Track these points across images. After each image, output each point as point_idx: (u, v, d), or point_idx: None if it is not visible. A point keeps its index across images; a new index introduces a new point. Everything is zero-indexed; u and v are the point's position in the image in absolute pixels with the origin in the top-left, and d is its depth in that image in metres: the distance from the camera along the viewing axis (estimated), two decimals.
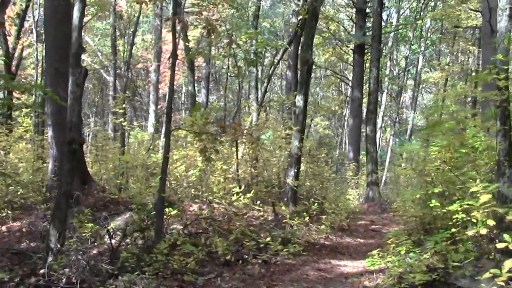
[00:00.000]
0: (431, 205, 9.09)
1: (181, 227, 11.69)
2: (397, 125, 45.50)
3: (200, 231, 11.93)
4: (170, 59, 11.05)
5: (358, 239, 14.65)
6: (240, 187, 13.29)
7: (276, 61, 25.33)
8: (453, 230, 8.55)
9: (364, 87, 32.25)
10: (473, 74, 34.17)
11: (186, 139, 15.87)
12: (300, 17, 21.10)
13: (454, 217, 8.58)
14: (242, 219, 12.91)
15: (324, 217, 14.05)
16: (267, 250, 11.04)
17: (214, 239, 11.08)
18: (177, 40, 11.47)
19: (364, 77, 31.13)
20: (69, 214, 10.45)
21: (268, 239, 11.10)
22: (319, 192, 17.25)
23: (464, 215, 8.46)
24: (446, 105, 15.02)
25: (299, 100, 16.17)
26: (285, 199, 15.53)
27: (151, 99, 30.13)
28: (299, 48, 21.07)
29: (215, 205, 13.60)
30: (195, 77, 30.26)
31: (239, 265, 10.32)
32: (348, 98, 39.75)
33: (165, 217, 10.98)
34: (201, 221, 12.14)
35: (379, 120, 36.32)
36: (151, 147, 19.09)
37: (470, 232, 7.94)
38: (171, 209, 11.59)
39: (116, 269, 8.83)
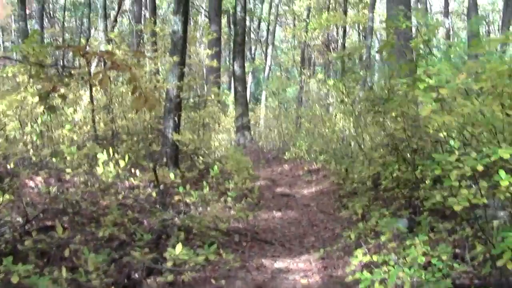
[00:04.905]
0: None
1: (21, 220, 7.18)
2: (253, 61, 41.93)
3: (50, 224, 7.46)
4: None
5: (275, 213, 10.72)
6: (108, 150, 8.76)
7: None
8: None
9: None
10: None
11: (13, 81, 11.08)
12: None
13: None
14: (113, 196, 8.67)
15: (231, 185, 9.81)
16: (164, 256, 6.71)
17: (76, 240, 6.69)
18: None
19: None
20: None
21: (174, 252, 6.58)
22: (204, 146, 13.16)
23: None
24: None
25: (176, 21, 11.96)
26: (164, 159, 11.32)
27: None
28: None
29: (69, 177, 9.24)
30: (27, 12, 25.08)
31: None
32: (202, 31, 35.54)
33: None
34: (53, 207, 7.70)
35: None
36: None
37: None
38: None
39: None
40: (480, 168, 4.81)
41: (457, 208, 4.93)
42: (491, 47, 5.55)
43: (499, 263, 4.70)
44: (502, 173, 4.82)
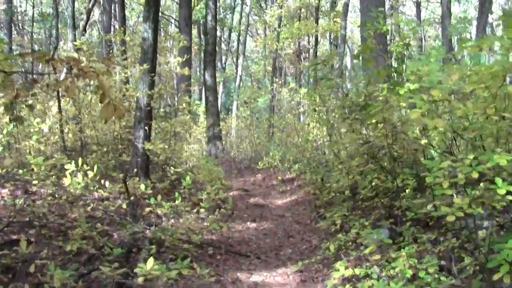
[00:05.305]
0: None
1: None
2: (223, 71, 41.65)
3: (16, 238, 7.13)
4: None
5: (249, 224, 10.43)
6: (77, 161, 8.39)
7: None
8: None
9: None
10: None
11: None
12: None
13: None
14: (81, 209, 8.31)
15: (204, 196, 9.45)
16: (135, 271, 6.34)
17: (43, 254, 6.35)
18: None
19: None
20: None
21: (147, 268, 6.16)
22: (176, 156, 12.85)
23: None
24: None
25: (146, 29, 11.67)
26: (135, 170, 10.97)
27: None
28: None
29: (36, 189, 8.93)
30: None
31: None
32: (172, 41, 35.19)
33: None
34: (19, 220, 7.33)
35: None
36: None
37: None
38: None
39: None
40: (475, 175, 4.53)
41: (451, 218, 4.65)
42: (482, 47, 5.26)
43: (495, 276, 4.44)
44: (498, 181, 4.55)
